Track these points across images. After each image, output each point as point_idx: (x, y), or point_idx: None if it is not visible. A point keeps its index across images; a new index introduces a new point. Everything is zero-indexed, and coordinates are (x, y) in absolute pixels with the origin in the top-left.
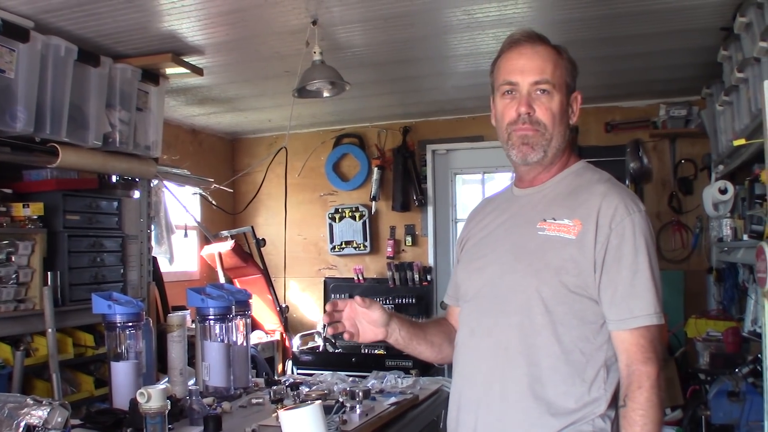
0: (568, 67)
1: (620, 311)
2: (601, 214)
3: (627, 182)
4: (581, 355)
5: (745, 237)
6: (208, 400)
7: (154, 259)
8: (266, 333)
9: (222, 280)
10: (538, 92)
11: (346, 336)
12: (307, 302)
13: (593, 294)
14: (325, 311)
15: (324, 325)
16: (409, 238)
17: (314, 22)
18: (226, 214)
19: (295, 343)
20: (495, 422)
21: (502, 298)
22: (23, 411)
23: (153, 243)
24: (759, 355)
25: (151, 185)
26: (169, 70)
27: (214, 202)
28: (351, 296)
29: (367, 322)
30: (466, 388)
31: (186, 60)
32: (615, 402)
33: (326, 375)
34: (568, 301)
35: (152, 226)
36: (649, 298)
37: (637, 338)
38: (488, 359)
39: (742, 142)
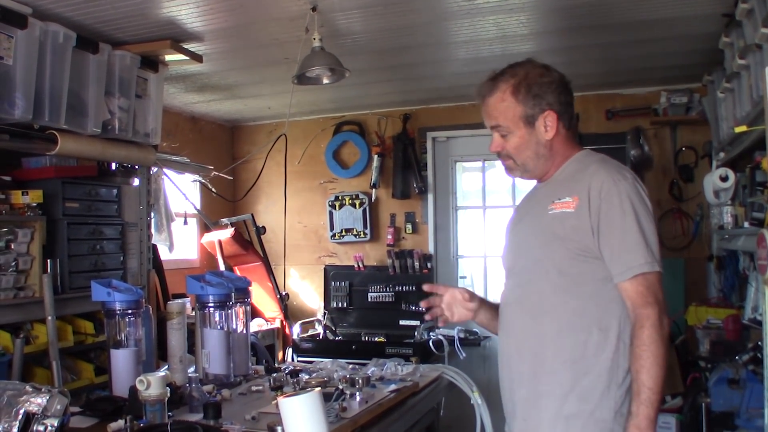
0: (525, 99)
1: (619, 266)
2: (591, 188)
3: None
4: (596, 307)
5: (746, 224)
6: (207, 388)
7: (154, 246)
8: (266, 320)
9: (222, 267)
10: (499, 134)
11: (441, 322)
12: (307, 290)
13: (597, 254)
14: (425, 295)
15: (324, 313)
16: (409, 226)
17: (314, 9)
18: (225, 201)
19: (295, 331)
20: (528, 372)
21: (526, 270)
22: (22, 398)
23: (153, 230)
24: (759, 343)
25: (151, 173)
26: (168, 57)
27: (213, 189)
28: (351, 284)
29: (463, 307)
30: (504, 347)
31: (185, 47)
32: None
33: (326, 362)
34: (576, 263)
35: (152, 214)
36: (640, 251)
37: (636, 286)
38: (517, 322)
39: (743, 129)
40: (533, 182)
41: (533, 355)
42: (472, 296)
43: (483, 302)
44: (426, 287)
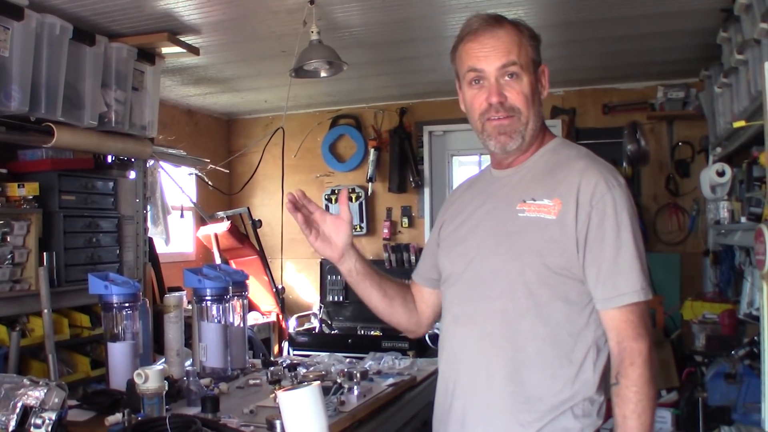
0: (531, 44)
1: (606, 290)
2: (581, 192)
3: (624, 164)
4: (568, 336)
5: (743, 219)
6: (205, 381)
7: (150, 240)
8: (262, 314)
9: (218, 261)
10: (507, 77)
11: (302, 226)
12: (303, 283)
13: (578, 273)
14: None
15: (320, 307)
16: (405, 220)
17: (312, 2)
18: (222, 194)
19: (291, 325)
20: (482, 408)
21: (484, 283)
22: (20, 392)
23: (149, 224)
24: (755, 338)
25: (147, 165)
26: (165, 50)
27: (210, 182)
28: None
29: (330, 232)
30: (452, 376)
31: (182, 39)
32: (603, 384)
33: (323, 356)
34: (552, 283)
35: (148, 207)
36: (635, 275)
37: (626, 315)
38: (472, 346)
39: (742, 124)
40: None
41: (490, 391)
42: (345, 210)
43: (356, 247)
44: (296, 190)
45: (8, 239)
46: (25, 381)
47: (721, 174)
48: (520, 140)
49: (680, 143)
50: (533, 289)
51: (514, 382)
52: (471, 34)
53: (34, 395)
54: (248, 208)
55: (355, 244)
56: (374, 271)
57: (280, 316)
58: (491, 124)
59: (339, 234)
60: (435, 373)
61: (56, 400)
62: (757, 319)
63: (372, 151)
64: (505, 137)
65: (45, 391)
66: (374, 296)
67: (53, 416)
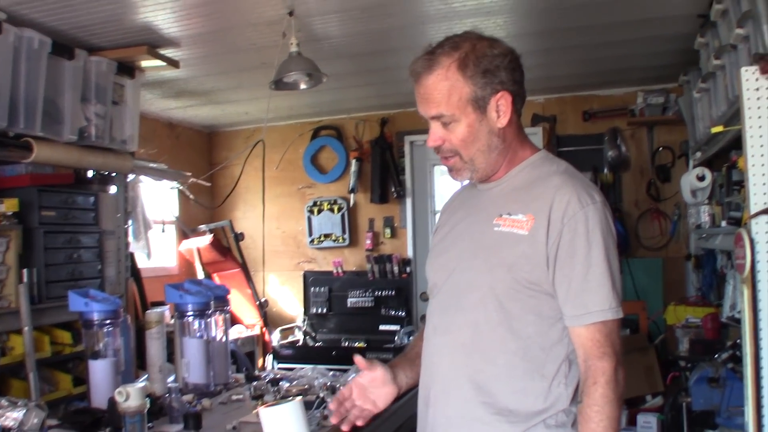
0: (474, 77)
1: (575, 307)
2: (553, 209)
3: (605, 170)
4: (540, 350)
5: (724, 223)
6: (188, 397)
7: (132, 254)
8: (246, 327)
9: (201, 275)
10: (440, 124)
11: (360, 422)
12: (286, 296)
13: (548, 289)
14: (331, 408)
15: (304, 319)
16: (388, 230)
17: (291, 13)
18: (204, 208)
19: (275, 338)
20: (456, 419)
21: (460, 294)
22: None
23: (130, 238)
24: (738, 341)
25: (128, 180)
26: (144, 63)
27: (191, 196)
28: (330, 290)
29: (374, 388)
30: (428, 385)
31: (162, 52)
32: (577, 397)
33: (307, 369)
34: (522, 297)
35: (129, 222)
36: (604, 293)
37: (593, 333)
38: (446, 356)
39: (720, 129)
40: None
41: (463, 401)
42: (384, 372)
43: (397, 366)
44: (332, 405)
45: None
46: (3, 402)
47: (701, 178)
48: (470, 173)
49: (660, 148)
50: (504, 303)
51: (484, 393)
52: (411, 76)
53: (12, 416)
54: (230, 221)
55: (392, 364)
56: (413, 356)
57: (264, 329)
58: (441, 161)
59: (379, 377)
60: (416, 386)
61: (35, 421)
62: (739, 322)
63: (353, 161)
64: (454, 173)
65: (24, 411)
66: None
67: None
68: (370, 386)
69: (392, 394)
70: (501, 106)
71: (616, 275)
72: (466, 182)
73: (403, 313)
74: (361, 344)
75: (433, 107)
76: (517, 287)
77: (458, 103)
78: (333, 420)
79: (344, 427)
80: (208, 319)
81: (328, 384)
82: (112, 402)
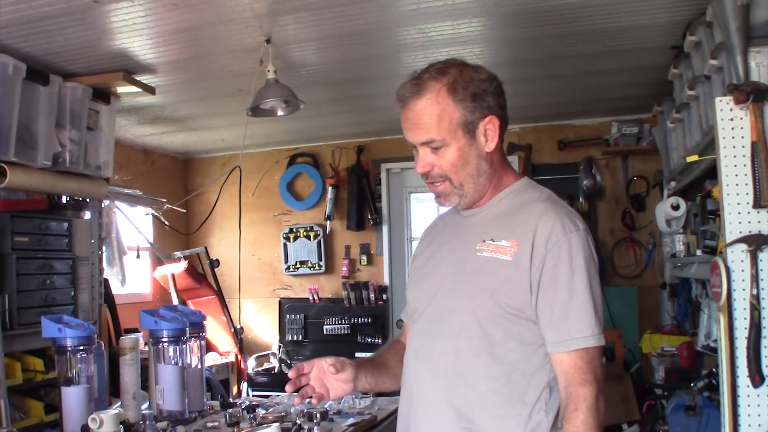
0: (465, 102)
1: (558, 333)
2: (537, 235)
3: (581, 199)
4: (522, 376)
5: (699, 252)
6: (162, 425)
7: (106, 281)
8: (221, 355)
9: (175, 301)
10: (430, 150)
11: (314, 401)
12: (262, 323)
13: (531, 315)
14: (288, 378)
15: (279, 347)
16: (364, 257)
17: (268, 41)
18: (179, 234)
19: (251, 365)
20: None
21: (442, 320)
22: None
23: (104, 265)
24: (714, 369)
25: (103, 206)
26: (120, 89)
27: (166, 222)
28: (306, 317)
29: (335, 380)
30: (408, 411)
31: (138, 79)
32: (557, 424)
33: (283, 396)
34: (504, 323)
35: (104, 248)
36: (587, 320)
37: (575, 360)
38: (427, 382)
39: (695, 158)
40: None
41: (443, 427)
42: (344, 365)
43: (361, 366)
44: (290, 373)
45: None
46: None
47: (675, 208)
48: (458, 199)
49: (635, 178)
50: (486, 329)
51: (465, 419)
52: (399, 102)
53: None
54: (206, 248)
55: (357, 363)
56: (380, 367)
57: (239, 357)
58: (429, 187)
59: (344, 376)
60: (395, 411)
61: None
62: (714, 350)
63: (330, 188)
64: (441, 199)
65: None
66: (390, 386)
67: None
68: (330, 375)
69: (347, 392)
70: (489, 131)
71: (598, 302)
72: (448, 208)
73: (380, 340)
74: None
75: (423, 133)
76: (500, 313)
77: (449, 127)
78: (287, 388)
79: (296, 400)
80: (183, 346)
81: (305, 411)
82: (85, 429)
